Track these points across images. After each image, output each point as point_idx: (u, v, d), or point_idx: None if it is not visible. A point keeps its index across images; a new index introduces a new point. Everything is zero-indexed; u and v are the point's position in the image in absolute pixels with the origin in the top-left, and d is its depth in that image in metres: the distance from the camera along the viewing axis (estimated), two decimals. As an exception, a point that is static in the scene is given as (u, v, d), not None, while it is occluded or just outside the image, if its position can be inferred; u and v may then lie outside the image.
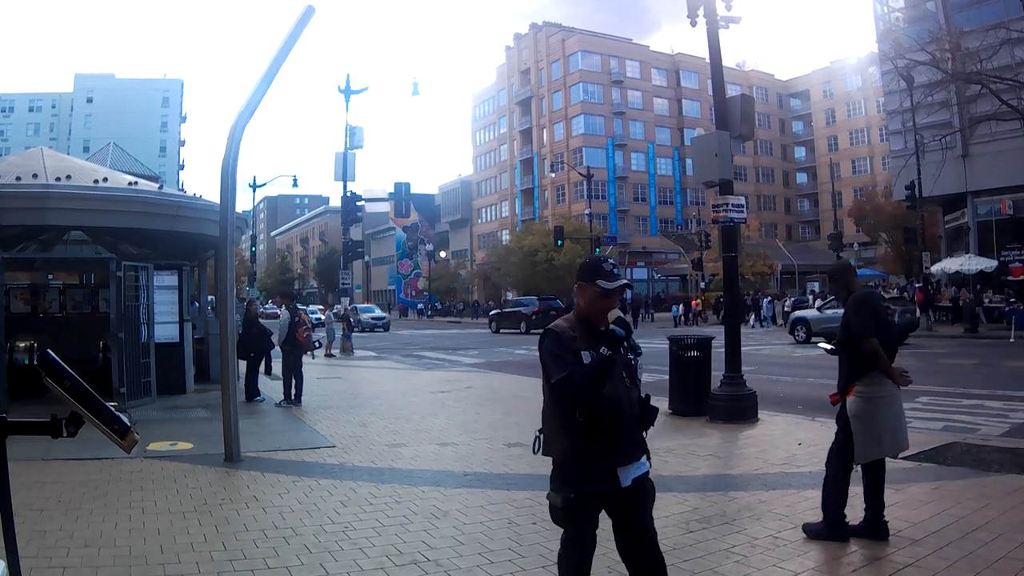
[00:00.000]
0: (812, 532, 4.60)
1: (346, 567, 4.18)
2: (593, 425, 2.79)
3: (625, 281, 3.02)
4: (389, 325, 42.86)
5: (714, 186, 9.85)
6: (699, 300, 41.77)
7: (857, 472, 4.66)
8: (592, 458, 2.84)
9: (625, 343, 2.84)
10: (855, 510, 4.61)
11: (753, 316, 35.67)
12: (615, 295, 2.94)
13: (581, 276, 2.98)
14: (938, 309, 28.98)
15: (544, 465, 7.06)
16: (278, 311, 14.70)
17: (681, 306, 41.08)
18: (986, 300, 27.68)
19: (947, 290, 31.20)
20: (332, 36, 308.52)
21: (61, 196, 10.02)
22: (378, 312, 45.74)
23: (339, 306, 33.35)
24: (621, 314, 2.89)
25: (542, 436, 3.04)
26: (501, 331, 34.94)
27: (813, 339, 21.82)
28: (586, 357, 2.81)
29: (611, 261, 3.04)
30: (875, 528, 4.54)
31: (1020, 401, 9.95)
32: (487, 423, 9.28)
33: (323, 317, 29.32)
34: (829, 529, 4.54)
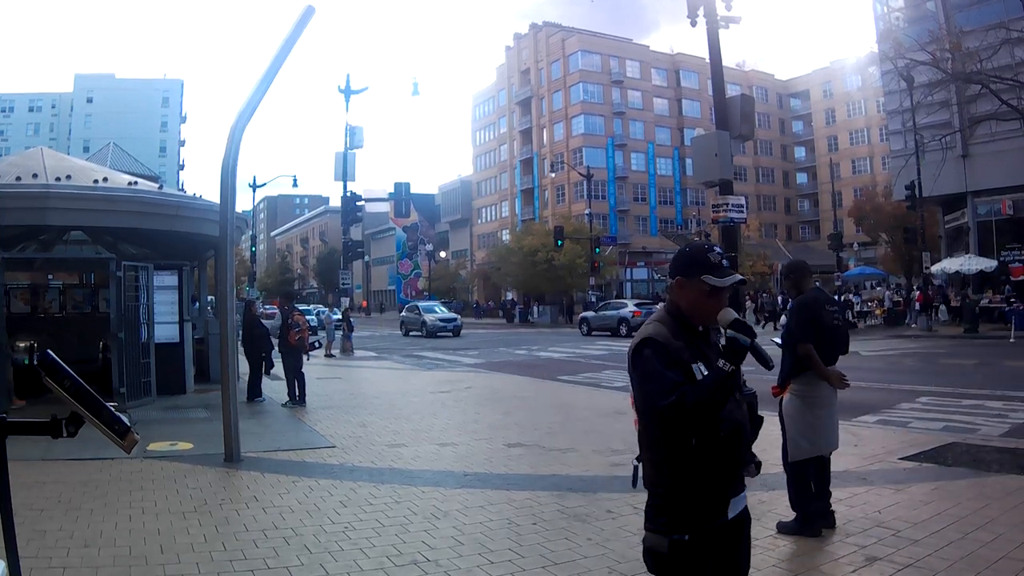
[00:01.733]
0: (785, 529, 4.67)
1: (346, 567, 4.18)
2: (710, 452, 2.30)
3: (740, 277, 2.42)
4: (460, 329, 33.93)
5: (714, 186, 9.85)
6: None
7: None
8: (708, 490, 2.31)
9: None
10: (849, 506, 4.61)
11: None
12: (726, 293, 2.36)
13: (680, 270, 2.40)
14: (939, 309, 29.03)
15: (544, 464, 7.08)
16: (276, 311, 14.66)
17: None
18: (985, 300, 27.67)
19: (944, 289, 31.19)
20: (332, 36, 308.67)
21: (61, 196, 10.02)
22: (445, 312, 35.76)
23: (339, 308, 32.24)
24: (736, 314, 2.34)
25: (639, 465, 2.45)
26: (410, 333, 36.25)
27: (594, 332, 31.11)
28: (697, 372, 2.30)
29: (717, 249, 2.44)
30: (822, 516, 4.68)
31: (1020, 401, 9.94)
32: (487, 423, 9.28)
33: (330, 318, 26.52)
34: (801, 525, 4.62)
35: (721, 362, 2.27)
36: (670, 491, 2.33)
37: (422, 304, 37.35)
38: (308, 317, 18.75)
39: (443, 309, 36.93)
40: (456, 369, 17.59)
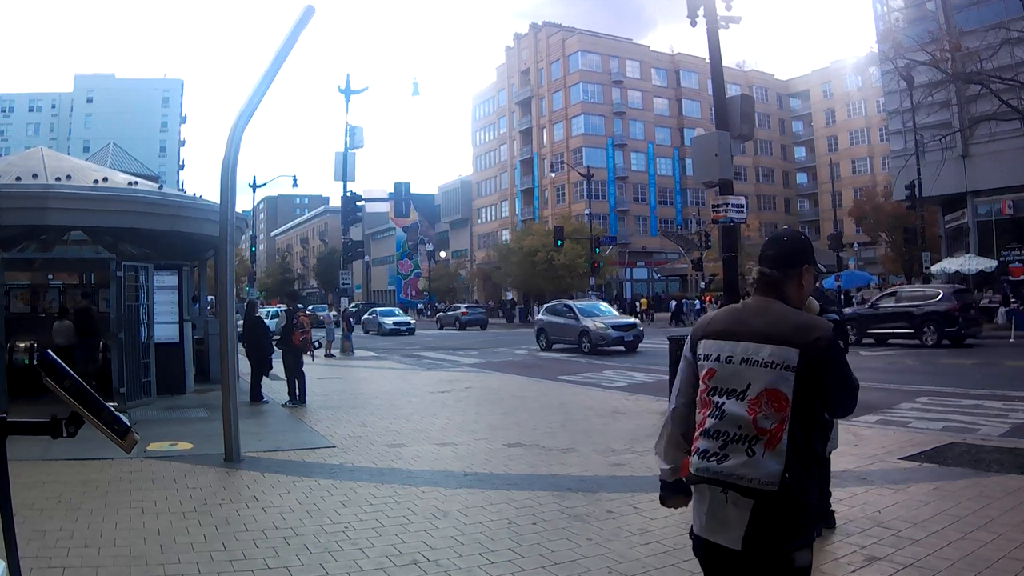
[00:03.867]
0: None
1: (346, 567, 4.18)
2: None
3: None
4: (639, 341, 21.62)
5: (714, 186, 9.84)
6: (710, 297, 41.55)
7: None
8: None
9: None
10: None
11: None
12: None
13: (807, 257, 2.28)
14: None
15: (544, 464, 7.08)
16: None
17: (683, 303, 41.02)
18: (985, 300, 27.63)
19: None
20: (332, 36, 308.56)
21: (61, 196, 10.02)
22: (615, 315, 23.68)
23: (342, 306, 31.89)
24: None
25: (790, 478, 2.04)
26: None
27: (444, 327, 37.62)
28: None
29: None
30: (822, 517, 4.65)
31: (1020, 401, 9.94)
32: (487, 423, 9.28)
33: (329, 317, 25.29)
34: None
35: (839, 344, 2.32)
36: (810, 493, 2.10)
37: (579, 305, 23.62)
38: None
39: (608, 309, 24.57)
40: (456, 369, 17.59)
